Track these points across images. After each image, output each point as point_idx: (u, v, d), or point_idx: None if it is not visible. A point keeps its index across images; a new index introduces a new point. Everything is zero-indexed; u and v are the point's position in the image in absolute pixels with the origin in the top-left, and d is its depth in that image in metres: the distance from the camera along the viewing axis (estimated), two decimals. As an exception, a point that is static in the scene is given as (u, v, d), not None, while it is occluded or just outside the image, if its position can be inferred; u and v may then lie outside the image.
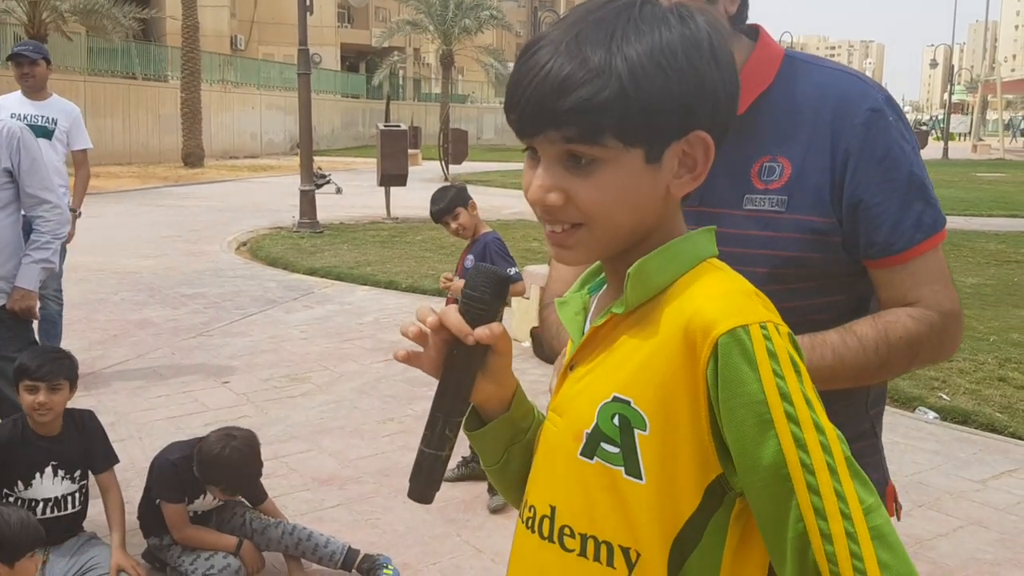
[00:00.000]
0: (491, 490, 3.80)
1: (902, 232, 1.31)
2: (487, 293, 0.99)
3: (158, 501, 3.16)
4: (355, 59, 49.56)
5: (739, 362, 0.86)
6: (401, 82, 48.03)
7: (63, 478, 3.08)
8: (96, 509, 3.22)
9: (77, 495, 3.13)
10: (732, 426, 0.87)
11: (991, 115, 67.75)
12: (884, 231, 1.31)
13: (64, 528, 3.08)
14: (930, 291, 1.33)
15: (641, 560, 0.92)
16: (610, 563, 0.94)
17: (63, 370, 3.02)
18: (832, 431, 0.88)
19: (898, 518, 1.52)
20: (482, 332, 0.98)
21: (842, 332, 1.31)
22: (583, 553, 0.96)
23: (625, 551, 0.93)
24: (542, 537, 1.00)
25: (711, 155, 0.94)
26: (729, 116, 0.96)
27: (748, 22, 1.44)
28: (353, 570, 3.22)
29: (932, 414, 5.18)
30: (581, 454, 0.96)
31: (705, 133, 0.93)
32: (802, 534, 0.86)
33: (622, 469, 0.93)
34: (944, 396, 5.43)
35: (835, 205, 1.33)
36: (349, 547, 3.24)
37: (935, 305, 1.33)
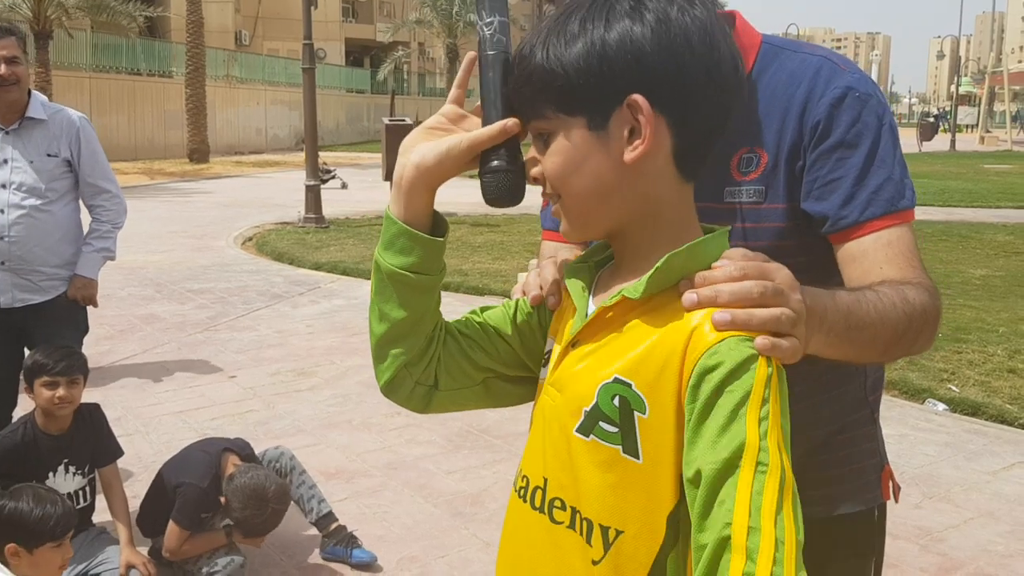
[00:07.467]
0: None
1: (856, 205, 1.26)
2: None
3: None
4: (360, 54, 49.51)
5: (732, 359, 0.87)
6: (406, 77, 48.01)
7: (74, 474, 3.08)
8: (100, 504, 3.21)
9: (87, 489, 3.13)
10: (705, 411, 0.86)
11: (998, 107, 67.41)
12: (836, 203, 1.27)
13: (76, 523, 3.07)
14: (909, 269, 1.23)
15: (620, 539, 0.93)
16: (588, 540, 0.96)
17: (80, 365, 3.07)
18: (789, 465, 0.85)
19: (895, 500, 1.52)
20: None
21: (872, 290, 1.17)
22: (572, 526, 0.98)
23: (604, 530, 0.95)
24: (534, 507, 1.03)
25: (651, 119, 0.95)
26: (686, 85, 0.95)
27: (728, 9, 1.42)
28: (325, 536, 3.27)
29: (942, 406, 5.15)
30: (577, 431, 0.97)
31: (640, 96, 0.94)
32: (725, 541, 0.82)
33: (620, 448, 0.94)
34: (954, 388, 5.40)
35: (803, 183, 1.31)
36: (332, 511, 3.30)
37: (921, 280, 1.21)
